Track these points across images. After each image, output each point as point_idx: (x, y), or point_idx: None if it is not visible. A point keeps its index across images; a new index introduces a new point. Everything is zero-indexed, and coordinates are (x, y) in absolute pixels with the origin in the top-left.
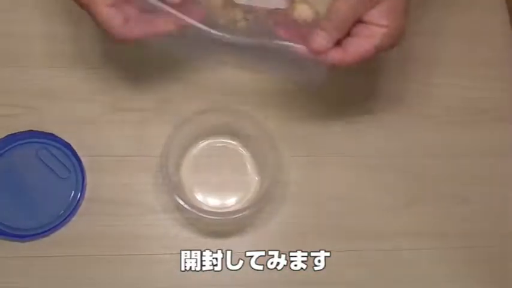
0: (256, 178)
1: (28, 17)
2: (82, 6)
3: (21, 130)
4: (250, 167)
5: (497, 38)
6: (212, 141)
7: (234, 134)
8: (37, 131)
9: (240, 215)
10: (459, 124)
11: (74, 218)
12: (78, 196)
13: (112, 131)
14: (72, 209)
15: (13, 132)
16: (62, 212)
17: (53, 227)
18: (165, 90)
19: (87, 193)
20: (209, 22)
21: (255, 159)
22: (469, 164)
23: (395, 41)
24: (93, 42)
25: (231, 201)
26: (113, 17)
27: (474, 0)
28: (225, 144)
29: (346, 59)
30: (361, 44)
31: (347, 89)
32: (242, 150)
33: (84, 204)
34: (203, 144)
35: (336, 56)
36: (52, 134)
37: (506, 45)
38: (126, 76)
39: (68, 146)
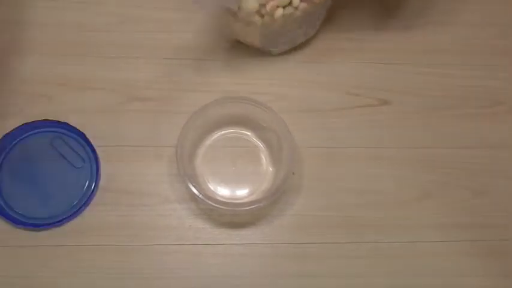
0: (271, 169)
1: (41, 4)
2: None
3: (36, 119)
4: (264, 158)
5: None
6: (227, 131)
7: (249, 125)
8: (52, 120)
9: (254, 206)
10: (475, 116)
11: (88, 208)
12: (93, 186)
13: (127, 121)
14: (86, 198)
15: (28, 121)
16: (76, 201)
17: (68, 217)
18: (180, 80)
19: (102, 183)
20: None
21: (269, 150)
22: (485, 156)
23: None
24: (109, 31)
25: (245, 192)
26: None
27: None
28: (239, 135)
29: None
30: None
31: (361, 80)
32: (257, 141)
33: (98, 194)
34: (218, 134)
35: None
36: (66, 123)
37: None
38: (142, 66)
39: (82, 135)
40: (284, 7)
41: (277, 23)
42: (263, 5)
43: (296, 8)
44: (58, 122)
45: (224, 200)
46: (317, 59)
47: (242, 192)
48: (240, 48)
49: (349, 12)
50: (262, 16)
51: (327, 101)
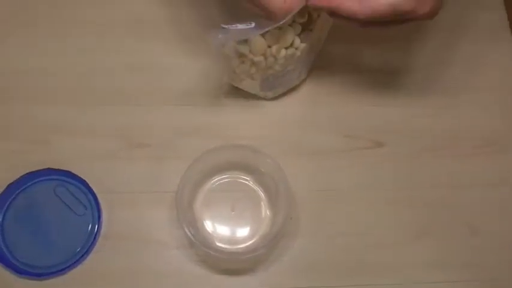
0: (269, 214)
1: (43, 53)
2: None
3: (39, 167)
4: (263, 202)
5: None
6: (225, 176)
7: (246, 170)
8: (54, 169)
9: (251, 255)
10: (469, 155)
11: (90, 256)
12: (95, 233)
13: (128, 167)
14: (88, 246)
15: (31, 171)
16: (78, 249)
17: (71, 265)
18: (179, 126)
19: (103, 229)
20: None
21: (267, 194)
22: (479, 195)
23: (416, 7)
24: (109, 78)
25: (243, 237)
26: None
27: (474, 27)
28: (237, 180)
29: (359, 11)
30: None
31: (353, 122)
32: (255, 186)
33: (100, 241)
34: (217, 179)
35: (351, 7)
36: (69, 171)
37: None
38: (142, 112)
39: (84, 182)
40: (286, 48)
41: (279, 63)
42: (269, 47)
43: (296, 49)
44: (60, 170)
45: (222, 246)
46: (309, 102)
47: (241, 237)
48: (236, 94)
49: (340, 56)
50: (266, 58)
51: (321, 143)
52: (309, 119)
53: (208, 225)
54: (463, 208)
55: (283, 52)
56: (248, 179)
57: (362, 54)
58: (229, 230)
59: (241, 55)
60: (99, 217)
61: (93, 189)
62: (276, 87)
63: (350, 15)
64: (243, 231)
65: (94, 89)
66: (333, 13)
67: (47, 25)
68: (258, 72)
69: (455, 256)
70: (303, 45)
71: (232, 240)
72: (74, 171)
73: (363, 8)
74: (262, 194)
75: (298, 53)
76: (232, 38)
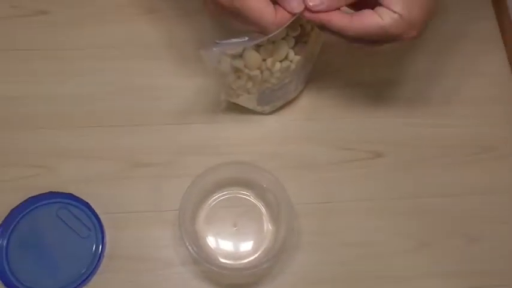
0: (271, 227)
1: (41, 76)
2: (230, 7)
3: (41, 190)
4: (264, 216)
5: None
6: (226, 192)
7: (247, 185)
8: (56, 192)
9: (256, 269)
10: (467, 162)
11: (95, 277)
12: (99, 254)
13: (129, 187)
14: (93, 267)
15: (34, 195)
16: (83, 271)
17: (75, 287)
18: (179, 145)
19: (107, 250)
20: None
21: (269, 209)
22: (479, 203)
23: (405, 31)
24: (107, 101)
25: (246, 252)
26: (265, 8)
27: (467, 37)
28: (238, 195)
29: (349, 28)
30: (368, 17)
31: (352, 134)
32: (257, 201)
33: (104, 262)
34: (217, 196)
35: (341, 22)
36: (71, 194)
37: (506, 81)
38: (142, 132)
39: (86, 204)
40: (281, 61)
41: (275, 76)
42: (264, 60)
43: (291, 61)
44: (62, 193)
45: (226, 262)
46: (307, 115)
47: (244, 252)
48: (234, 110)
49: (336, 68)
50: (261, 71)
51: (321, 156)
52: (307, 131)
53: (211, 242)
54: (462, 216)
55: (278, 65)
56: (249, 194)
57: (358, 66)
58: (232, 246)
59: (237, 70)
60: (103, 238)
61: (96, 211)
62: (274, 101)
63: (340, 31)
64: (245, 246)
65: (93, 111)
66: (324, 27)
67: (45, 49)
68: (254, 87)
69: (456, 265)
70: (297, 57)
71: (235, 256)
72: (75, 193)
73: (353, 25)
74: (263, 209)
75: (293, 65)
76: (226, 51)
